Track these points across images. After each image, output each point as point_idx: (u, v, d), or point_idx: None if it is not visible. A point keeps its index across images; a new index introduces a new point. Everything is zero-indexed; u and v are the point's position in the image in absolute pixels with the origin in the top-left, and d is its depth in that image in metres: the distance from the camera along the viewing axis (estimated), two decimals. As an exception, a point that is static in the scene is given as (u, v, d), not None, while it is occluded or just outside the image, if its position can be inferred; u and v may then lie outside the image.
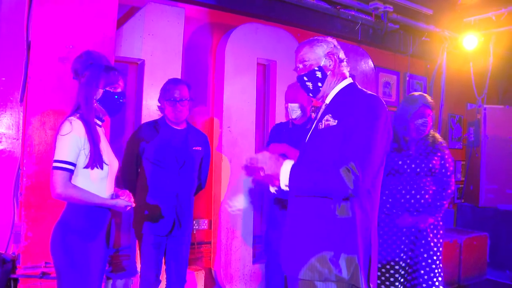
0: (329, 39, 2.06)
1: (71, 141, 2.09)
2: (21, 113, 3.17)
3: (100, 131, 2.28)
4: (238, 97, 3.99)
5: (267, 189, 2.17)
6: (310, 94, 2.06)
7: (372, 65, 4.95)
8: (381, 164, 1.88)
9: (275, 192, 2.11)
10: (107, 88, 2.24)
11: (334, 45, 2.04)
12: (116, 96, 2.26)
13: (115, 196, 2.31)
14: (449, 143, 6.34)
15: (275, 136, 3.39)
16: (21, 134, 3.16)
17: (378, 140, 1.78)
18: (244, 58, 4.03)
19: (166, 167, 2.89)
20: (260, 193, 4.27)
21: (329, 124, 1.87)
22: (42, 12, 2.88)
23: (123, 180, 3.01)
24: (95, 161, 2.14)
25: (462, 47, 5.48)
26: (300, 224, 1.91)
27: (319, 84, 2.00)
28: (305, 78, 2.02)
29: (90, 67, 2.24)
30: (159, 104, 3.05)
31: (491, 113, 5.73)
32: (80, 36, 2.98)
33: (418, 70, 5.97)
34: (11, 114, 3.16)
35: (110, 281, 3.26)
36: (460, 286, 4.78)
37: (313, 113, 3.43)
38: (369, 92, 1.93)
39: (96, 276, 2.19)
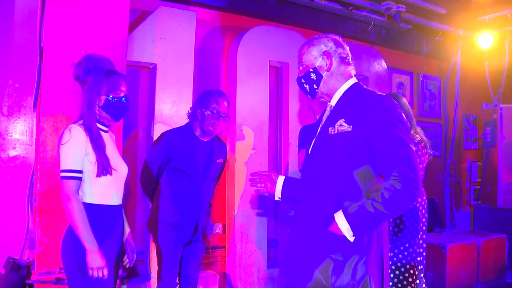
0: (331, 36, 1.97)
1: (72, 149, 2.09)
2: (34, 119, 3.18)
3: (106, 136, 2.26)
4: (251, 100, 3.96)
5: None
6: (309, 96, 2.02)
7: (385, 66, 4.89)
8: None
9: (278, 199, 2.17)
10: (110, 95, 2.20)
11: (335, 43, 1.94)
12: (118, 102, 2.23)
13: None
14: (464, 143, 6.24)
15: (305, 138, 3.34)
16: (34, 140, 3.17)
17: (410, 141, 1.74)
18: (257, 61, 4.00)
19: (191, 179, 2.83)
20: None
21: (343, 130, 1.80)
22: (54, 18, 2.89)
23: (143, 188, 3.02)
24: (104, 169, 2.14)
25: (477, 46, 5.39)
26: (303, 234, 1.87)
27: (315, 86, 1.95)
28: (303, 80, 1.98)
29: (91, 73, 2.21)
30: (190, 111, 2.93)
31: (508, 113, 5.61)
32: (92, 41, 2.98)
33: (432, 70, 5.89)
34: (24, 120, 3.17)
35: (124, 286, 3.25)
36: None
37: (317, 116, 3.37)
38: (378, 92, 1.89)
39: (108, 282, 2.15)
